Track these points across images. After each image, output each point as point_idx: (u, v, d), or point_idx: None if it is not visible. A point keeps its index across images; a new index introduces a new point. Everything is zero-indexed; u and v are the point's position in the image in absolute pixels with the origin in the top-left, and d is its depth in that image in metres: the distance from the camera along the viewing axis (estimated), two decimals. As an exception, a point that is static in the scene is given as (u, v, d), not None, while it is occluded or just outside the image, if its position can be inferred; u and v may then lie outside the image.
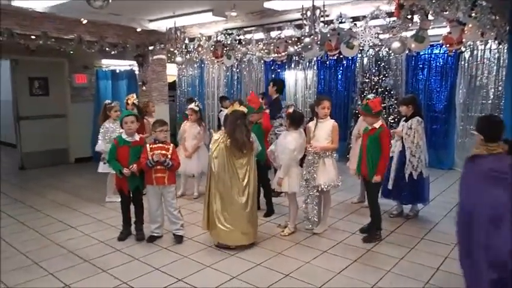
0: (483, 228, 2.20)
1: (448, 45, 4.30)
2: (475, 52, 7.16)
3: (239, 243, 3.94)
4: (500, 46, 4.38)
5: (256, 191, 4.13)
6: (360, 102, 7.07)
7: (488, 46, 6.95)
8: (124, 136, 4.14)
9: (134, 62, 8.18)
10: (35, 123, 8.04)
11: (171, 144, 4.15)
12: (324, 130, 4.26)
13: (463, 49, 6.95)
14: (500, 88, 6.63)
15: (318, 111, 4.32)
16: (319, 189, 4.23)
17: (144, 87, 7.86)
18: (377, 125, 4.08)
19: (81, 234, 4.44)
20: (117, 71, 8.78)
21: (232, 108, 4.08)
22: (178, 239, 4.15)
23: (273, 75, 9.45)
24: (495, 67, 6.86)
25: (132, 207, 4.30)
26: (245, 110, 4.04)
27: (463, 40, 4.18)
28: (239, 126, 3.88)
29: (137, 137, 4.20)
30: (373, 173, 4.03)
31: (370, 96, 5.22)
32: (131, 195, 4.24)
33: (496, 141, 2.42)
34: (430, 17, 3.78)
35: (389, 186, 4.74)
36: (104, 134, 5.38)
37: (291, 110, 4.37)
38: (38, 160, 8.04)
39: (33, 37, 6.09)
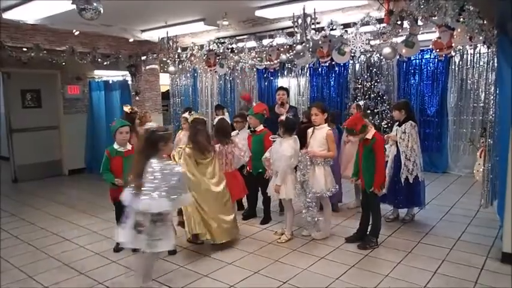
0: None
1: (437, 50, 4.35)
2: (465, 56, 7.27)
3: (221, 240, 4.09)
4: (489, 50, 4.43)
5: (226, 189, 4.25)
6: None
7: (477, 50, 7.06)
8: (116, 146, 4.10)
9: (127, 72, 8.17)
10: (28, 136, 7.98)
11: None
12: (318, 138, 4.26)
13: (453, 53, 7.04)
14: (491, 91, 6.72)
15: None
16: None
17: (137, 97, 7.86)
18: (369, 135, 4.00)
19: (76, 247, 4.39)
20: (110, 82, 8.76)
21: (193, 116, 4.38)
22: (170, 251, 4.08)
23: (266, 83, 9.48)
24: (485, 71, 6.95)
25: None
26: (204, 118, 4.38)
27: (453, 45, 4.23)
28: (200, 131, 4.13)
29: (129, 146, 4.18)
30: (370, 184, 4.01)
31: (361, 102, 5.26)
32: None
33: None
34: (420, 23, 3.83)
35: (385, 191, 4.76)
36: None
37: (283, 117, 4.36)
38: (32, 172, 7.97)
39: (25, 49, 6.07)
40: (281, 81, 9.33)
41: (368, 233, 4.23)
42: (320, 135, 4.24)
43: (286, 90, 5.98)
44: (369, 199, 4.17)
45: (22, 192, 7.12)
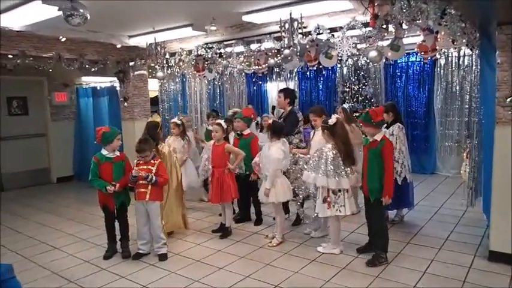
0: None
1: (422, 53, 4.41)
2: (450, 58, 7.39)
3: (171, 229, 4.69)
4: (472, 52, 4.52)
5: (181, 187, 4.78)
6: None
7: (462, 52, 7.18)
8: (105, 153, 4.07)
9: (115, 78, 8.11)
10: (15, 144, 7.89)
11: (158, 160, 4.11)
12: (316, 139, 4.39)
13: (438, 56, 7.14)
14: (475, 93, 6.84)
15: None
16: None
17: (125, 104, 7.80)
18: (378, 137, 3.72)
19: (66, 255, 4.34)
20: (98, 88, 8.70)
21: (151, 119, 4.71)
22: (161, 257, 4.09)
23: (255, 87, 9.51)
24: (469, 72, 7.07)
25: (117, 225, 4.24)
26: (158, 121, 4.75)
27: (437, 47, 4.30)
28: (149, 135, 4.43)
29: (117, 153, 4.16)
30: (376, 192, 3.71)
31: (345, 105, 5.31)
32: (115, 211, 4.19)
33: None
34: (404, 26, 3.88)
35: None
36: None
37: (270, 121, 4.44)
38: (19, 181, 7.87)
39: (10, 56, 6.00)
40: (270, 86, 9.39)
41: (376, 248, 3.88)
42: (318, 136, 4.32)
43: (283, 91, 5.27)
44: (373, 209, 3.84)
45: (9, 201, 7.00)
